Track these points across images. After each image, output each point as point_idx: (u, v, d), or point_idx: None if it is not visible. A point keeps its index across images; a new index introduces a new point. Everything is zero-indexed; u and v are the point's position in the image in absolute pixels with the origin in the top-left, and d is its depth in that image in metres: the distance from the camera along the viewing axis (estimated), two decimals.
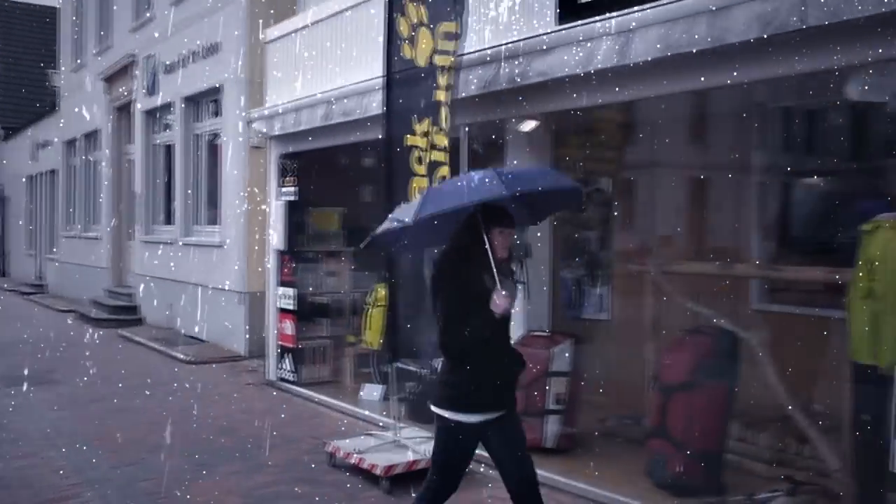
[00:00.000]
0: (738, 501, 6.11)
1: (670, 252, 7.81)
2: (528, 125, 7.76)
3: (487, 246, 4.37)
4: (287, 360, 10.78)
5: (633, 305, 7.55)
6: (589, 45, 6.09)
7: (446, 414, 4.52)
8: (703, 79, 5.57)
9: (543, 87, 6.59)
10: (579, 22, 6.28)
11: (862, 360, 5.44)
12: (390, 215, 4.82)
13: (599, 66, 5.98)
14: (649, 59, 5.62)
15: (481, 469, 7.22)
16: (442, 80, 7.00)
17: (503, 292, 4.30)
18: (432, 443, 7.16)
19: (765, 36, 4.92)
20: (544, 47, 6.49)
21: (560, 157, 8.16)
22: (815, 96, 6.96)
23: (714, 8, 5.20)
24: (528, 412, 7.24)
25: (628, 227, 8.37)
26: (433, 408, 4.59)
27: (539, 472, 6.71)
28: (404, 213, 4.64)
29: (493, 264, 4.35)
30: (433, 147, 6.97)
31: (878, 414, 5.32)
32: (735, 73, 5.34)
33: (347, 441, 7.46)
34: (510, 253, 4.60)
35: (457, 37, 7.03)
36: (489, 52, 7.07)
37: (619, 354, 7.86)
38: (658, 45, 5.54)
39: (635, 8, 5.79)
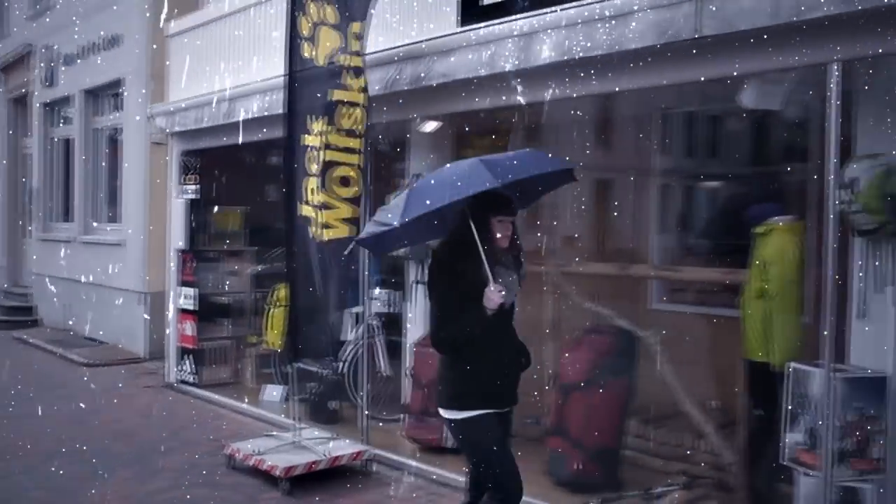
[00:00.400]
0: (636, 496, 6.23)
1: (572, 253, 7.90)
2: (431, 126, 7.77)
3: (479, 238, 4.21)
4: (187, 362, 10.59)
5: (533, 306, 7.60)
6: (491, 47, 6.12)
7: (453, 415, 4.38)
8: (602, 83, 5.64)
9: (446, 88, 6.60)
10: (482, 24, 6.32)
11: (755, 357, 5.64)
12: (374, 218, 4.69)
13: (501, 68, 6.02)
14: (550, 62, 5.68)
15: (374, 468, 7.23)
16: (353, 81, 6.95)
17: (496, 287, 4.17)
18: (332, 443, 7.24)
19: (660, 44, 5.04)
20: (447, 49, 6.50)
21: (462, 158, 8.18)
22: (714, 102, 7.12)
23: (613, 15, 5.28)
24: (429, 412, 7.29)
25: (530, 228, 8.45)
26: (442, 412, 4.45)
27: (439, 471, 6.90)
28: (390, 215, 4.41)
29: (484, 257, 4.20)
30: (327, 147, 6.90)
31: (769, 409, 5.49)
32: (633, 79, 5.43)
33: (247, 443, 7.36)
34: (514, 242, 4.44)
35: (364, 37, 7.00)
36: (391, 52, 7.06)
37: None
38: (558, 50, 5.60)
39: (536, 12, 5.85)
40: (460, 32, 6.56)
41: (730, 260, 6.46)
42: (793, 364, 5.17)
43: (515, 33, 5.92)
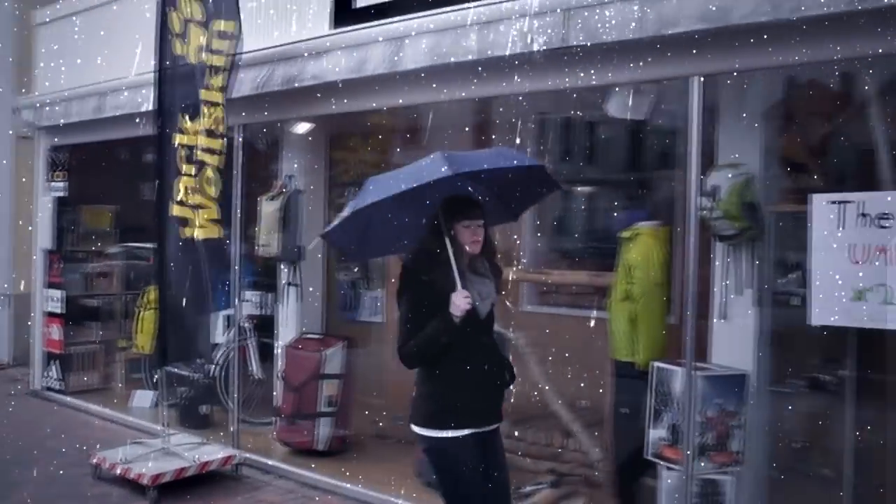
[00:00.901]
0: None
1: None
2: (303, 127, 7.72)
3: (448, 243, 4.00)
4: (54, 368, 10.20)
5: None
6: (362, 50, 6.12)
7: (430, 433, 4.06)
8: (473, 88, 5.70)
9: (318, 90, 6.57)
10: (353, 27, 6.32)
11: (621, 357, 5.80)
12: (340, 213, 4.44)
13: (372, 71, 6.03)
14: (420, 66, 5.72)
15: (245, 473, 7.13)
16: (213, 80, 6.83)
17: (462, 292, 3.92)
18: (202, 448, 7.11)
19: (529, 52, 5.13)
20: (319, 51, 6.47)
21: (335, 160, 8.18)
22: (586, 110, 7.27)
23: (483, 21, 5.35)
24: (300, 415, 7.26)
25: None
26: (414, 428, 4.14)
27: (310, 475, 6.87)
28: (348, 207, 4.24)
29: (453, 263, 3.97)
30: (199, 147, 6.79)
31: (635, 407, 5.64)
32: (503, 85, 5.51)
33: (114, 451, 7.13)
34: (488, 247, 4.19)
35: (233, 37, 6.88)
36: (264, 52, 6.99)
37: (392, 357, 7.89)
38: (429, 54, 5.65)
39: (408, 16, 5.89)
40: (333, 35, 6.55)
41: (599, 263, 6.62)
42: (656, 363, 5.36)
43: (387, 37, 5.94)
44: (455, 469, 4.08)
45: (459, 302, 3.90)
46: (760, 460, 5.38)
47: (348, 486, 6.64)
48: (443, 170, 3.90)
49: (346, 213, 4.20)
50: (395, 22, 5.99)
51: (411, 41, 5.80)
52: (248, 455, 7.30)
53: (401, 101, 6.21)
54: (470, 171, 4.13)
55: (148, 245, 8.67)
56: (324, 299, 8.25)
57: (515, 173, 4.36)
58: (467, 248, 4.06)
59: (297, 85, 6.61)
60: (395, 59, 5.88)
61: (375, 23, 6.15)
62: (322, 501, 6.50)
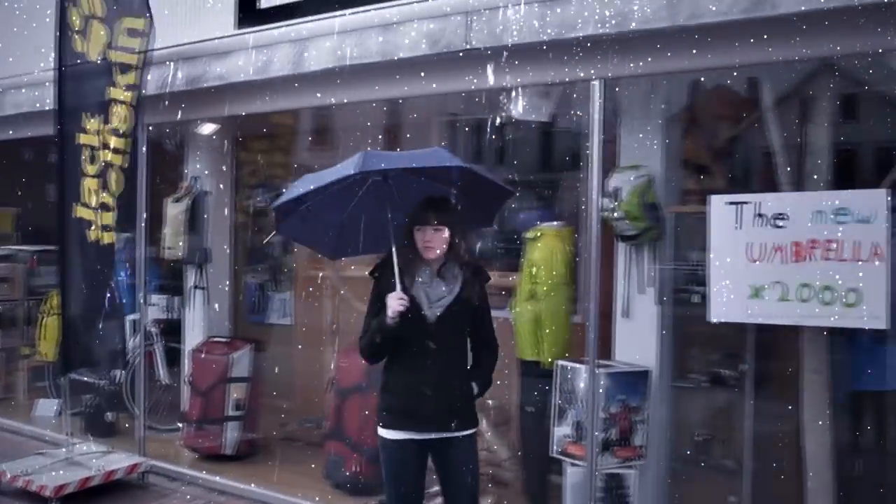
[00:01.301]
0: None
1: (357, 257, 7.93)
2: (208, 128, 7.62)
3: (399, 247, 4.03)
4: None
5: (314, 310, 7.62)
6: (266, 51, 6.09)
7: (379, 429, 4.14)
8: (376, 90, 5.70)
9: (222, 90, 6.49)
10: (257, 28, 6.27)
11: (527, 357, 5.87)
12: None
13: (277, 72, 6.00)
14: (324, 68, 5.70)
15: (151, 481, 7.02)
16: (121, 78, 6.70)
17: (397, 295, 3.91)
18: (108, 457, 6.96)
19: (433, 54, 5.16)
20: (223, 51, 6.41)
21: (242, 162, 8.10)
22: (493, 111, 7.32)
23: (386, 23, 5.36)
24: (207, 419, 7.18)
25: None
26: None
27: (219, 479, 6.79)
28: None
29: (395, 264, 3.98)
30: (104, 146, 6.65)
31: (541, 406, 5.72)
32: (407, 87, 5.51)
33: (16, 463, 6.91)
34: (454, 254, 4.11)
35: (143, 34, 6.75)
36: (168, 51, 6.86)
37: (301, 359, 7.90)
38: (333, 56, 5.64)
39: (312, 17, 5.87)
40: (237, 35, 6.48)
41: (504, 263, 6.69)
42: (560, 362, 5.44)
43: (291, 38, 5.91)
44: (387, 468, 4.13)
45: (392, 303, 3.91)
46: (664, 453, 5.52)
47: (257, 489, 6.58)
48: (351, 170, 3.93)
49: (298, 192, 4.22)
50: (299, 23, 5.96)
51: (315, 42, 5.78)
52: (154, 462, 7.17)
53: (306, 102, 6.19)
54: (391, 168, 4.13)
55: (51, 248, 8.44)
56: (231, 302, 8.15)
57: (472, 179, 4.28)
58: (423, 252, 4.07)
59: (202, 85, 6.52)
60: (300, 60, 5.86)
61: (279, 24, 6.11)
62: None
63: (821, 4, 4.06)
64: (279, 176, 8.44)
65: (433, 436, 4.05)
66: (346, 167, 3.99)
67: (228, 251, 7.99)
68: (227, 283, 7.96)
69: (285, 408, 8.01)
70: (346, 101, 5.97)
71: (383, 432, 4.11)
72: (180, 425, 7.68)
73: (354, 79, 5.72)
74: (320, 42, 5.74)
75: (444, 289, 4.09)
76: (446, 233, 4.07)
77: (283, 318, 8.49)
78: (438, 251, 4.07)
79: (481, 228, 4.80)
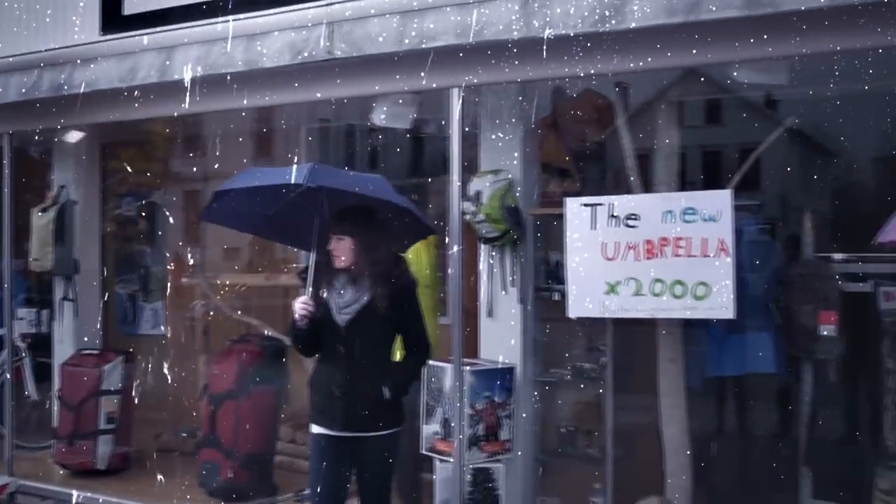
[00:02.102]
0: (288, 499, 6.45)
1: (228, 265, 7.95)
2: (75, 136, 7.51)
3: (317, 250, 4.30)
4: None
5: (186, 319, 7.61)
6: (132, 58, 6.05)
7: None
8: (241, 98, 5.71)
9: (88, 97, 6.38)
10: (122, 34, 6.23)
11: (396, 357, 5.94)
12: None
13: (143, 80, 5.96)
14: (190, 76, 5.71)
15: (16, 500, 6.89)
16: None
17: (301, 299, 4.23)
18: None
19: (295, 63, 5.25)
20: (88, 57, 6.33)
21: (111, 170, 8.01)
22: (360, 118, 7.44)
23: (250, 34, 5.43)
24: (79, 434, 7.10)
25: (183, 241, 8.40)
26: None
27: (91, 495, 6.69)
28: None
29: (310, 271, 4.31)
30: None
31: (410, 405, 5.84)
32: (271, 95, 5.60)
33: None
34: (366, 261, 4.27)
35: None
36: (31, 57, 6.72)
37: (174, 369, 7.85)
38: (197, 64, 5.65)
39: (176, 26, 5.87)
40: (102, 41, 6.42)
41: None
42: (428, 361, 5.58)
43: (157, 46, 5.90)
44: (310, 461, 4.46)
45: (295, 306, 4.24)
46: (531, 446, 5.73)
47: (132, 502, 6.53)
48: (292, 178, 4.17)
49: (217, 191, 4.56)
50: (164, 31, 5.95)
51: (180, 51, 5.78)
52: (24, 482, 7.02)
53: (173, 110, 6.17)
54: (322, 187, 4.31)
55: None
56: (102, 313, 8.04)
57: (403, 213, 4.50)
58: (335, 260, 4.31)
59: (67, 92, 6.40)
60: (166, 68, 5.85)
61: (144, 31, 6.08)
62: None
63: (666, 20, 4.32)
64: (148, 184, 8.37)
65: (345, 434, 4.31)
66: (296, 175, 4.18)
67: (97, 261, 7.86)
68: (97, 294, 7.84)
69: (159, 419, 7.94)
70: (212, 109, 6.01)
71: (311, 426, 4.42)
72: (50, 442, 7.53)
73: (220, 87, 5.74)
74: (186, 50, 5.74)
75: (352, 297, 4.29)
76: (350, 244, 4.26)
77: (154, 328, 8.39)
78: (345, 260, 4.28)
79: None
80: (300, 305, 4.23)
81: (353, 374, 4.29)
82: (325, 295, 4.31)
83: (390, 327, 4.40)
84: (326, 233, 4.33)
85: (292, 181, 4.17)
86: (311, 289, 4.28)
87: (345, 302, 4.29)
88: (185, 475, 6.93)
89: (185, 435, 7.59)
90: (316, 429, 4.39)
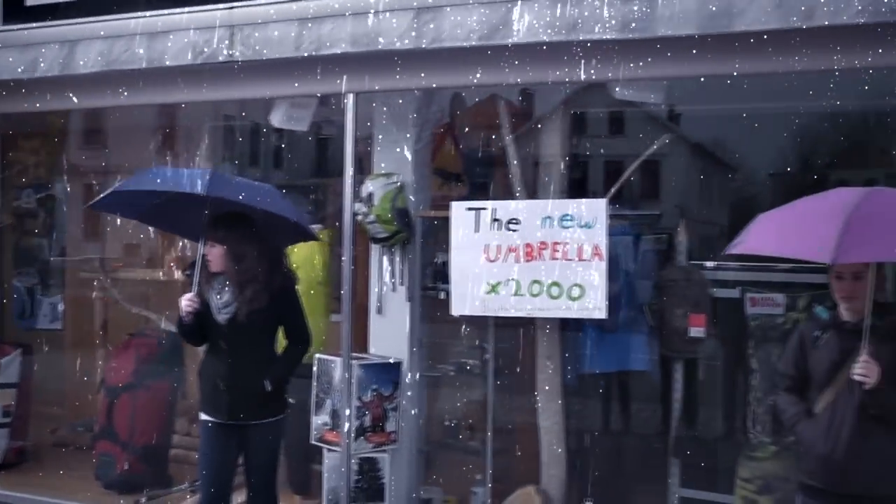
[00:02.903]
0: (182, 490, 6.57)
1: (128, 260, 8.00)
2: None
3: (200, 251, 4.52)
4: None
5: (85, 314, 7.66)
6: (34, 50, 6.08)
7: None
8: (145, 95, 5.87)
9: None
10: (24, 25, 6.26)
11: None
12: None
13: (45, 72, 6.00)
14: (93, 71, 5.80)
15: None
16: None
17: (186, 297, 4.47)
18: None
19: (197, 63, 5.41)
20: None
21: (11, 162, 8.00)
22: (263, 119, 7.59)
23: (152, 31, 5.56)
24: None
25: (83, 235, 8.40)
26: None
27: None
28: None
29: (197, 270, 4.51)
30: None
31: (301, 398, 5.92)
32: (172, 94, 5.77)
33: None
34: (241, 266, 4.49)
35: None
36: None
37: (72, 363, 7.89)
38: (100, 59, 5.75)
39: (80, 20, 5.94)
40: (3, 31, 6.44)
41: None
42: (318, 355, 5.82)
43: (58, 39, 5.96)
44: (199, 447, 4.78)
45: (180, 303, 4.50)
46: (415, 438, 5.96)
47: (30, 496, 6.56)
48: (196, 189, 4.39)
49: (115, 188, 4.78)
50: (68, 24, 6.02)
51: (84, 45, 5.85)
52: None
53: (75, 103, 6.26)
54: (220, 198, 4.46)
55: None
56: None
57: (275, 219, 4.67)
58: (210, 264, 4.55)
59: None
60: (69, 61, 5.92)
61: (47, 23, 6.13)
62: None
63: (550, 38, 4.62)
64: (48, 177, 8.36)
65: (231, 422, 4.57)
66: (193, 182, 4.44)
67: None
68: None
69: (56, 414, 7.94)
70: (116, 104, 6.11)
71: (200, 413, 4.71)
72: None
73: (123, 83, 5.86)
74: (89, 45, 5.82)
75: (230, 297, 4.54)
76: (221, 251, 4.52)
77: (53, 322, 8.34)
78: (216, 266, 4.54)
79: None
80: (185, 302, 4.48)
81: (236, 367, 4.54)
82: (206, 294, 4.56)
83: (270, 322, 4.65)
84: (205, 235, 4.55)
85: (190, 190, 4.40)
86: (196, 286, 4.51)
87: (223, 302, 4.55)
88: (81, 468, 6.99)
89: (81, 429, 7.61)
90: (204, 416, 4.66)
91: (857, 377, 3.46)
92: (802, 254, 3.57)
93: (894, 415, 3.55)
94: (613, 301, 5.35)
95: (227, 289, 4.55)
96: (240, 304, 4.51)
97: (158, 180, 4.66)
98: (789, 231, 3.72)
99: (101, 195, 4.85)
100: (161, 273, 7.22)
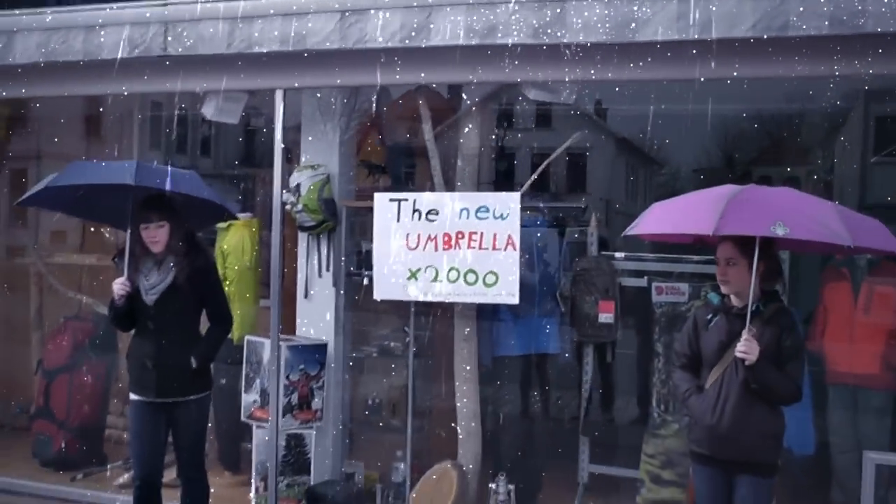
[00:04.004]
0: (116, 466, 6.79)
1: (60, 246, 8.12)
2: None
3: (129, 239, 4.67)
4: None
5: (19, 299, 7.80)
6: None
7: None
8: (82, 86, 6.11)
9: None
10: None
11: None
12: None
13: None
14: (30, 62, 5.98)
15: None
16: None
17: (119, 281, 4.63)
18: None
19: (132, 57, 5.65)
20: None
21: None
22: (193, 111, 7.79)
23: (88, 25, 5.77)
24: None
25: (17, 221, 8.49)
26: None
27: None
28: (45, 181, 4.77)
29: (127, 254, 4.66)
30: None
31: (231, 379, 6.42)
32: (109, 85, 5.95)
33: None
34: (172, 244, 4.71)
35: None
36: None
37: (6, 347, 8.04)
38: (37, 51, 5.94)
39: (17, 11, 6.11)
40: None
41: None
42: (248, 337, 6.13)
43: None
44: (129, 426, 4.97)
45: (114, 287, 4.68)
46: (341, 416, 6.29)
47: None
48: (126, 179, 4.53)
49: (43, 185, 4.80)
50: (5, 16, 6.17)
51: (22, 36, 6.01)
52: None
53: (12, 93, 6.42)
54: (148, 187, 4.63)
55: None
56: None
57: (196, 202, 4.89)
58: (148, 246, 4.71)
59: None
60: (5, 51, 6.06)
61: None
62: None
63: (465, 41, 4.95)
64: None
65: (158, 400, 4.76)
66: (121, 174, 4.60)
67: None
68: None
69: None
70: (52, 94, 6.34)
71: (130, 394, 4.87)
72: None
73: (59, 74, 6.06)
74: (26, 37, 5.99)
75: (157, 278, 4.74)
76: (167, 227, 4.71)
77: None
78: (162, 245, 4.72)
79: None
80: (119, 286, 4.67)
81: (162, 346, 4.76)
82: (134, 278, 4.74)
83: (194, 303, 4.88)
84: (137, 220, 4.71)
85: (121, 182, 4.57)
86: (126, 270, 4.70)
87: (151, 284, 4.75)
88: (18, 448, 7.19)
89: (18, 412, 7.78)
90: (134, 396, 4.86)
91: (739, 354, 3.86)
92: (687, 228, 3.98)
93: (770, 390, 3.94)
94: (528, 288, 5.71)
95: (153, 270, 4.75)
96: (172, 281, 4.72)
97: (86, 174, 4.84)
98: (676, 213, 4.14)
99: (30, 192, 4.99)
100: (96, 258, 7.36)
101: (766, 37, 4.48)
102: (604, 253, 6.19)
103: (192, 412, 4.88)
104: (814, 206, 3.87)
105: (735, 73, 4.78)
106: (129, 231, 4.73)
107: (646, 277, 6.15)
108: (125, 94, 6.17)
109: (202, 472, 5.02)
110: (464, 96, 6.10)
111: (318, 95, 6.04)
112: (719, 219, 3.64)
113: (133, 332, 4.92)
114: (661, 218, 4.20)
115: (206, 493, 5.04)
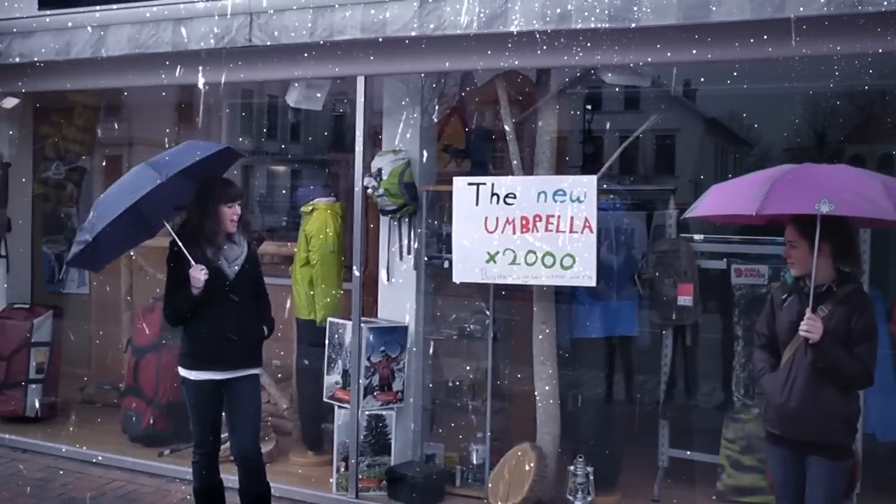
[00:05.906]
0: None
1: None
2: (10, 102, 7.89)
3: (204, 225, 4.68)
4: None
5: (111, 279, 8.05)
6: (67, 33, 6.49)
7: (181, 371, 4.84)
8: (171, 76, 6.25)
9: (24, 67, 6.82)
10: (59, 11, 6.65)
11: (303, 316, 6.65)
12: (76, 239, 4.87)
13: (77, 55, 6.42)
14: (122, 53, 6.22)
15: None
16: None
17: (197, 268, 4.58)
18: None
19: (219, 48, 5.84)
20: (26, 30, 6.73)
21: (42, 135, 8.40)
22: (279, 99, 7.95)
23: (177, 18, 5.98)
24: (9, 384, 7.50)
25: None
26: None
27: (22, 439, 7.15)
28: (87, 235, 4.68)
29: (203, 240, 4.68)
30: None
31: (315, 360, 6.50)
32: (197, 75, 6.14)
33: None
34: (243, 223, 4.84)
35: None
36: None
37: (98, 326, 8.38)
38: (130, 43, 6.17)
39: (110, 6, 6.34)
40: (39, 16, 6.82)
41: (286, 235, 7.36)
42: (331, 319, 6.27)
43: (90, 24, 6.36)
44: (191, 403, 4.88)
45: (195, 275, 4.60)
46: (420, 397, 6.38)
47: (59, 446, 6.97)
48: (157, 181, 4.54)
49: (85, 239, 4.71)
50: (100, 10, 6.41)
51: (114, 30, 6.26)
52: None
53: (104, 84, 6.68)
54: (178, 171, 4.68)
55: None
56: (31, 270, 8.46)
57: (214, 160, 4.99)
58: (228, 225, 4.77)
59: (4, 62, 6.82)
60: (99, 44, 6.32)
61: (79, 9, 6.52)
62: (32, 463, 6.81)
63: (542, 27, 4.99)
64: (80, 149, 8.78)
65: (230, 375, 4.79)
66: (145, 180, 4.59)
67: (28, 221, 8.31)
68: (28, 252, 8.25)
69: (83, 373, 8.39)
70: (142, 84, 6.57)
71: (186, 373, 4.82)
72: None
73: (149, 65, 6.27)
74: (118, 30, 6.23)
75: (237, 250, 4.85)
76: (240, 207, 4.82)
77: (80, 287, 8.77)
78: (237, 222, 4.81)
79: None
80: (200, 274, 4.60)
81: (244, 318, 4.85)
82: (209, 255, 4.72)
83: (256, 276, 5.01)
84: (216, 201, 4.72)
85: (153, 185, 4.53)
86: (208, 252, 4.70)
87: (233, 256, 4.83)
88: (108, 423, 7.44)
89: (108, 388, 8.07)
90: (199, 376, 4.79)
91: (802, 333, 3.85)
92: (736, 209, 3.95)
93: (836, 370, 3.90)
94: (606, 270, 5.73)
95: (230, 244, 4.83)
96: (249, 251, 4.88)
97: (120, 200, 4.68)
98: (728, 195, 4.16)
99: (75, 250, 4.86)
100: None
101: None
102: (683, 235, 6.16)
103: (256, 386, 5.02)
104: (863, 183, 3.82)
105: (805, 51, 4.68)
106: (199, 216, 4.73)
107: (725, 259, 6.12)
108: (207, 86, 6.34)
109: (260, 452, 5.03)
110: (544, 81, 6.10)
111: (403, 82, 6.12)
112: (763, 199, 3.66)
113: (199, 315, 4.76)
114: (716, 200, 4.20)
115: (264, 472, 5.02)
